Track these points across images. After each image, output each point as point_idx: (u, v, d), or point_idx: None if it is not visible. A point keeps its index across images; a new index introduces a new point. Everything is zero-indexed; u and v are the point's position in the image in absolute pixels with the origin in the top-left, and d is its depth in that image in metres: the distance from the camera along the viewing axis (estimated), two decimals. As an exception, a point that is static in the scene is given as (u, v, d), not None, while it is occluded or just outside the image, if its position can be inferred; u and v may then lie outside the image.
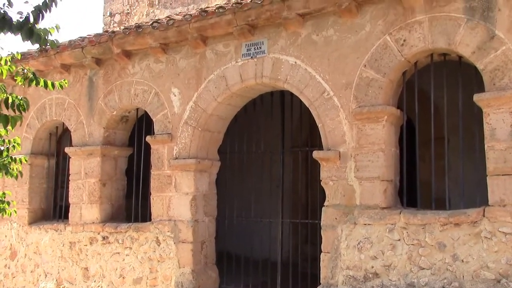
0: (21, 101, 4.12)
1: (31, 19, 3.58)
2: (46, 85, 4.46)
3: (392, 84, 5.68)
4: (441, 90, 5.56)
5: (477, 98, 5.06)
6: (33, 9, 3.61)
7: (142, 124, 7.70)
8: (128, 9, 11.22)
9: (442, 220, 5.15)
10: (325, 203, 5.88)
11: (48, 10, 3.61)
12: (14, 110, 4.08)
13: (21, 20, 3.58)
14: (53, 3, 3.61)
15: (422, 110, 5.68)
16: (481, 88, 5.12)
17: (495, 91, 4.94)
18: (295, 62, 6.16)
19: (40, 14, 3.59)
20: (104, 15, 11.53)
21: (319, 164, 5.99)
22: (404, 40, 5.50)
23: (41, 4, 3.61)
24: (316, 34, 6.07)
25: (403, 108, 5.86)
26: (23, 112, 4.22)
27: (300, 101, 6.32)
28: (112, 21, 11.36)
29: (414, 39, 5.45)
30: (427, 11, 5.38)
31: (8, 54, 6.07)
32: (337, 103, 5.85)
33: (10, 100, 4.04)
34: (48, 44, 3.78)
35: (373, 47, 5.68)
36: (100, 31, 11.26)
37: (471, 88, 5.29)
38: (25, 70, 4.43)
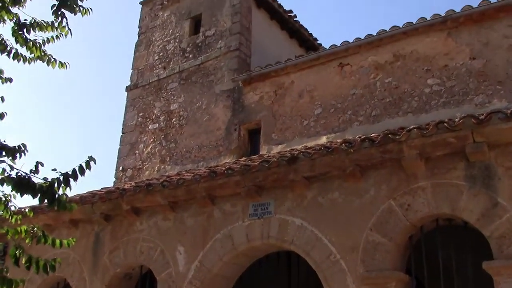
0: (51, 262, 4.05)
1: (55, 186, 3.66)
2: (54, 244, 4.46)
3: (399, 248, 5.65)
4: (449, 252, 5.50)
5: (486, 266, 5.00)
6: (60, 176, 3.69)
7: (146, 282, 7.53)
8: (140, 165, 11.61)
9: None
10: None
11: (75, 179, 3.69)
12: (38, 271, 4.00)
13: (44, 185, 3.65)
14: (82, 173, 3.71)
15: (431, 272, 5.57)
16: (489, 252, 5.07)
17: (504, 260, 4.89)
18: (301, 224, 6.20)
19: (67, 182, 3.66)
20: (116, 170, 11.90)
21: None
22: (409, 205, 5.59)
23: (70, 172, 3.70)
24: (322, 197, 6.19)
25: (411, 270, 5.75)
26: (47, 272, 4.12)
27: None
28: (123, 175, 11.69)
29: (418, 204, 5.54)
30: (429, 177, 5.55)
31: (19, 211, 6.18)
32: (344, 266, 5.77)
33: (41, 263, 3.95)
34: (67, 208, 3.83)
35: (378, 210, 5.75)
36: (111, 184, 11.56)
37: (479, 250, 5.24)
38: (35, 229, 4.47)
